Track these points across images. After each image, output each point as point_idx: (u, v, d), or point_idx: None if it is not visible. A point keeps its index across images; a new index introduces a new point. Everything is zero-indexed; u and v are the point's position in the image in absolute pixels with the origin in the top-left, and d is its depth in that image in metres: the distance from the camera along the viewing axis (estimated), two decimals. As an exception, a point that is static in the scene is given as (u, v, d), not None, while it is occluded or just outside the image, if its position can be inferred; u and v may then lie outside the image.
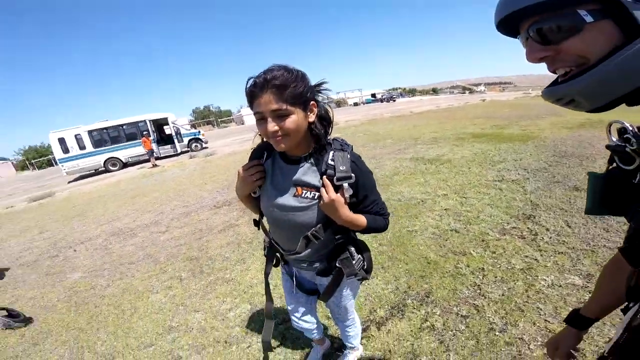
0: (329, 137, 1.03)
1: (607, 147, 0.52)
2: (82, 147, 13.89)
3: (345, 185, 0.95)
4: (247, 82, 0.88)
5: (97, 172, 14.46)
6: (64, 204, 8.06)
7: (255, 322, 2.17)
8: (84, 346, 2.27)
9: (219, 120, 56.22)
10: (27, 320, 2.68)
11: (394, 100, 46.86)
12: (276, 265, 1.35)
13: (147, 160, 13.69)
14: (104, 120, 14.91)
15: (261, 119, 0.88)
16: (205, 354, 1.98)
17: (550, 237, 2.64)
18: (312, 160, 1.01)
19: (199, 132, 17.15)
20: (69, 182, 13.32)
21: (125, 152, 14.59)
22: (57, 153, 13.69)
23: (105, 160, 14.26)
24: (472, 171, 4.75)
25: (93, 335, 2.38)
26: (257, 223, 1.24)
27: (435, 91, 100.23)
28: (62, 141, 13.65)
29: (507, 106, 15.65)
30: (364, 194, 1.03)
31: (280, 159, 1.06)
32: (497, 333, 1.77)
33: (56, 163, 16.12)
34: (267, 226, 1.23)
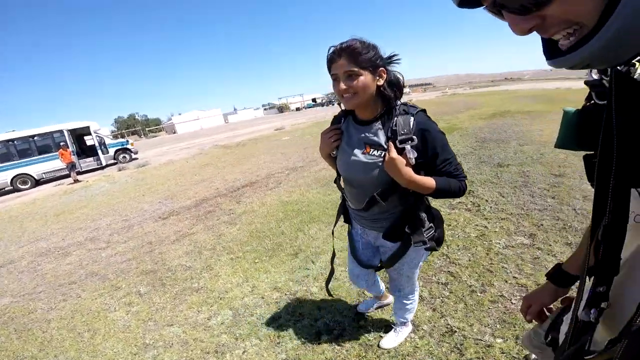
0: (397, 102, 1.09)
1: (586, 82, 0.51)
2: (-20, 164, 11.43)
3: (408, 147, 1.00)
4: (329, 50, 1.04)
5: (3, 192, 11.91)
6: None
7: (243, 326, 2.03)
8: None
9: (147, 129, 51.75)
10: None
11: (334, 104, 48.42)
12: (346, 221, 1.43)
13: (67, 176, 11.77)
14: (10, 130, 12.36)
15: (335, 80, 1.03)
16: (195, 367, 1.80)
17: (491, 207, 3.04)
18: (380, 122, 1.09)
19: (127, 141, 15.42)
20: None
21: (37, 168, 12.27)
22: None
23: (13, 178, 11.85)
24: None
25: (51, 364, 2.00)
26: (336, 181, 1.31)
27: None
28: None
29: (433, 104, 17.31)
30: (433, 153, 1.04)
31: (353, 121, 1.16)
32: (479, 294, 1.92)
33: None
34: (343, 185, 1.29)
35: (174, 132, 44.40)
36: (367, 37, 1.05)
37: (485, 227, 2.68)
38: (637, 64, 0.39)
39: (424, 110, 1.08)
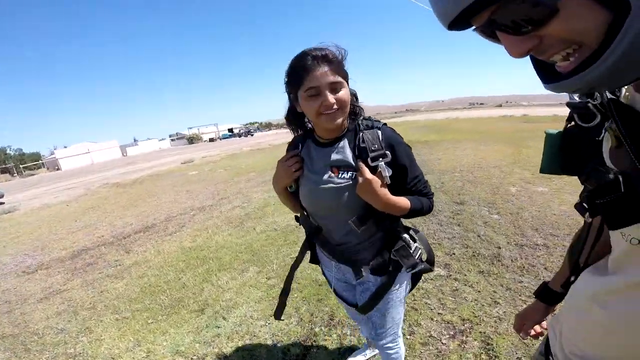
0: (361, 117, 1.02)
1: (568, 104, 0.50)
2: None
3: (382, 164, 0.90)
4: (297, 58, 0.89)
5: None
6: None
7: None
8: None
9: (21, 166, 42.32)
10: None
11: (252, 135, 47.94)
12: (313, 262, 1.29)
13: None
14: None
15: (315, 95, 0.88)
16: None
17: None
18: (345, 140, 0.98)
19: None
20: None
21: None
22: None
23: None
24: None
25: None
26: (298, 219, 1.18)
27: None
28: None
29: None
30: (403, 169, 0.95)
31: (314, 144, 1.04)
32: (407, 337, 1.82)
33: None
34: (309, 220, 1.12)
35: (57, 169, 37.26)
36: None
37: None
38: (623, 88, 0.41)
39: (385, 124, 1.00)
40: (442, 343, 1.74)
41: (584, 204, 0.49)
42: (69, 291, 3.17)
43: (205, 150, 22.38)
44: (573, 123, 0.52)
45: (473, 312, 1.92)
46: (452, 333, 1.79)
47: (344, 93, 0.90)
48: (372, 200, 0.90)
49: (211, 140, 50.97)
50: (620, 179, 0.39)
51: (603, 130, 0.45)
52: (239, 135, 50.31)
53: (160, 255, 3.62)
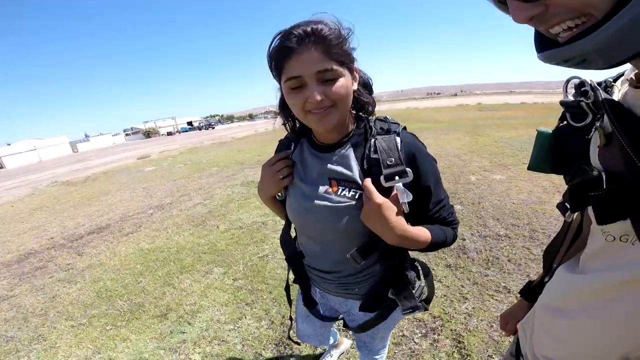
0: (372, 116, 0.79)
1: (561, 103, 0.50)
2: None
3: (400, 185, 0.66)
4: (279, 36, 0.65)
5: None
6: None
7: None
8: None
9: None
10: None
11: (213, 128, 46.06)
12: (298, 282, 0.99)
13: None
14: None
15: (298, 87, 0.66)
16: None
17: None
18: (350, 145, 0.76)
19: None
20: None
21: None
22: None
23: None
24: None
25: None
26: (283, 238, 0.95)
27: (251, 117, 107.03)
28: None
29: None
30: (426, 192, 0.73)
31: (311, 146, 0.82)
32: None
33: None
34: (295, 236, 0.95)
35: (1, 167, 34.34)
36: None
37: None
38: (615, 85, 0.45)
39: (405, 127, 0.77)
40: (415, 342, 1.72)
41: (566, 203, 0.51)
42: (16, 297, 2.96)
43: (163, 145, 21.05)
44: (565, 122, 0.52)
45: (443, 309, 1.92)
46: (423, 332, 1.78)
47: (340, 85, 0.66)
48: (382, 232, 0.68)
49: (169, 134, 48.55)
50: (604, 176, 0.41)
51: (593, 130, 0.45)
52: (199, 128, 48.18)
53: (116, 258, 3.39)
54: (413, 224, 0.72)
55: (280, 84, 0.71)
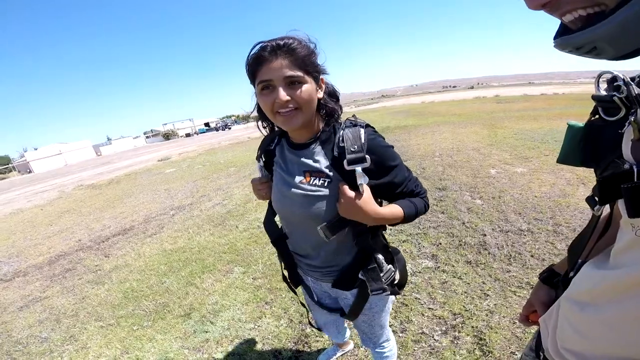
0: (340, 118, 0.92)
1: (593, 97, 0.50)
2: None
3: (359, 169, 0.78)
4: (253, 48, 0.78)
5: None
6: None
7: None
8: None
9: (-10, 170, 39.69)
10: None
11: (230, 128, 46.64)
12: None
13: None
14: None
15: (268, 88, 0.79)
16: None
17: (390, 230, 2.98)
18: (320, 142, 0.89)
19: None
20: None
21: None
22: None
23: None
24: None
25: None
26: (266, 223, 1.08)
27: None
28: None
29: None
30: (390, 173, 0.85)
31: (287, 144, 0.96)
32: (400, 334, 1.77)
33: None
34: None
35: (29, 172, 35.53)
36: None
37: (390, 252, 2.60)
38: None
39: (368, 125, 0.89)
40: (435, 339, 1.70)
41: (595, 197, 0.50)
42: (49, 298, 3.06)
43: (182, 146, 21.55)
44: (597, 116, 0.52)
45: (464, 306, 1.89)
46: (444, 329, 1.76)
47: (304, 90, 0.78)
48: (361, 218, 0.82)
49: (187, 135, 49.51)
50: (635, 169, 0.40)
51: (626, 124, 0.45)
52: (217, 129, 48.91)
53: (141, 259, 3.49)
54: (390, 201, 0.88)
55: (255, 88, 0.83)
